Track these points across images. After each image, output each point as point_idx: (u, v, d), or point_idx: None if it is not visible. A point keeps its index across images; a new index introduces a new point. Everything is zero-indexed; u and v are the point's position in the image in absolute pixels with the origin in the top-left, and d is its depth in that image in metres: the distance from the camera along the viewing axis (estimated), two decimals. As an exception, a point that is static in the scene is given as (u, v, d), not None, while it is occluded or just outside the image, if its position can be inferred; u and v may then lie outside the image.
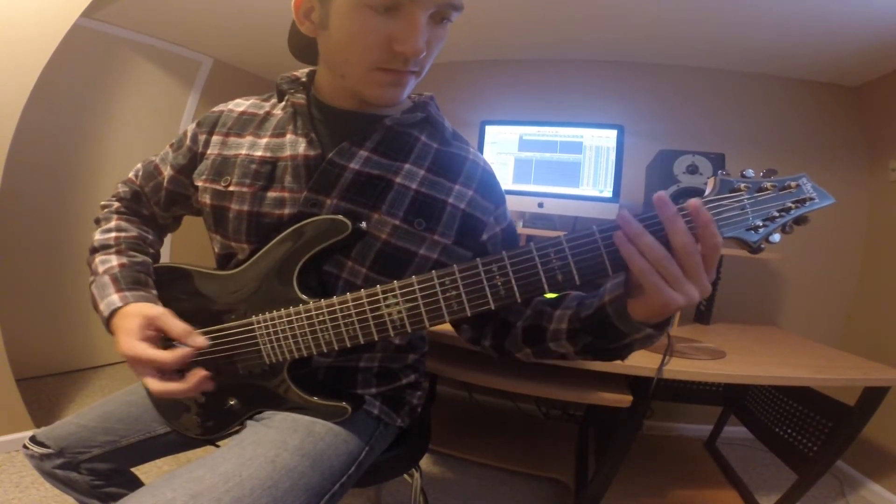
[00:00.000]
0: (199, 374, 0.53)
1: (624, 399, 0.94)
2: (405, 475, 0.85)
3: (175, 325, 0.54)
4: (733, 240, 0.43)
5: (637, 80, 1.79)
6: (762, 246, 0.42)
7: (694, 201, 0.40)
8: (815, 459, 1.06)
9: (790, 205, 0.42)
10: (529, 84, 1.89)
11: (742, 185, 0.43)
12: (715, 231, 0.40)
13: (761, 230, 0.42)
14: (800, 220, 0.43)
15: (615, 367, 0.91)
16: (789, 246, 1.68)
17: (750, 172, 0.43)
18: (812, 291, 1.74)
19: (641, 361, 0.92)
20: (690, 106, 1.76)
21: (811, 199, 0.42)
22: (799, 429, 1.15)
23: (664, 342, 1.03)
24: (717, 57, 1.64)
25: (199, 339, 0.54)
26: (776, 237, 0.42)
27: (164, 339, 0.55)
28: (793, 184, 0.42)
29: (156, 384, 0.52)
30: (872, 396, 0.97)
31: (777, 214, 0.42)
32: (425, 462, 1.49)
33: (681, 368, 0.92)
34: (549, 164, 1.48)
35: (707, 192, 0.43)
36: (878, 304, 1.60)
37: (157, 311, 0.55)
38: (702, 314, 1.49)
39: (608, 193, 1.42)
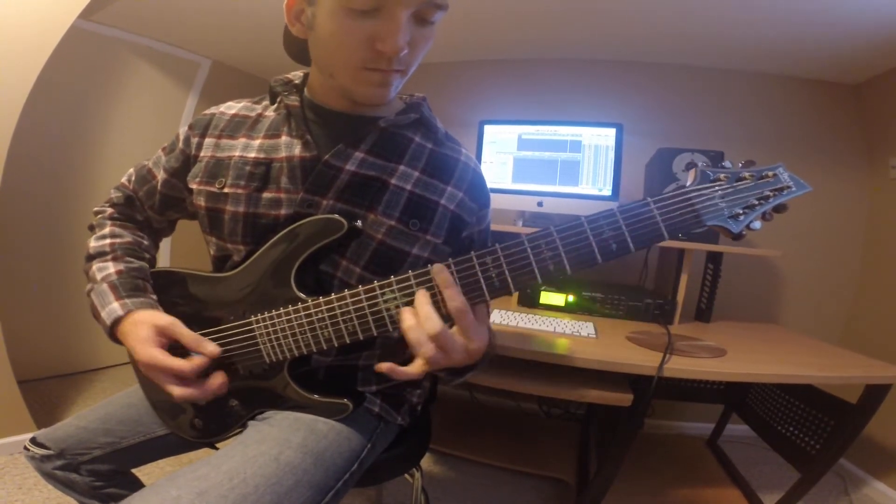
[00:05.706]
0: (218, 380, 0.55)
1: (625, 398, 0.94)
2: (406, 475, 0.84)
3: (186, 333, 0.55)
4: (716, 227, 0.44)
5: (636, 79, 1.78)
6: (743, 233, 0.44)
7: (435, 267, 0.46)
8: (817, 457, 1.06)
9: (768, 193, 0.44)
10: (528, 83, 1.88)
11: (721, 174, 0.44)
12: (454, 293, 0.44)
13: (742, 218, 0.43)
14: (779, 208, 0.44)
15: (616, 365, 0.91)
16: (790, 243, 1.69)
17: (728, 164, 0.45)
18: (813, 289, 1.74)
19: (642, 360, 0.92)
20: (689, 104, 1.76)
21: (788, 187, 0.44)
22: (801, 427, 1.15)
23: (665, 340, 1.04)
24: (716, 56, 1.64)
25: (211, 347, 0.55)
26: (757, 224, 0.44)
27: (175, 346, 0.56)
28: (770, 173, 0.44)
29: (177, 390, 0.53)
30: (874, 394, 0.97)
31: (756, 202, 0.44)
32: (426, 462, 1.49)
33: (681, 367, 0.91)
34: (548, 163, 1.48)
35: (689, 183, 0.45)
36: (879, 302, 1.60)
37: (166, 320, 0.56)
38: (702, 312, 1.48)
39: (607, 192, 1.42)
